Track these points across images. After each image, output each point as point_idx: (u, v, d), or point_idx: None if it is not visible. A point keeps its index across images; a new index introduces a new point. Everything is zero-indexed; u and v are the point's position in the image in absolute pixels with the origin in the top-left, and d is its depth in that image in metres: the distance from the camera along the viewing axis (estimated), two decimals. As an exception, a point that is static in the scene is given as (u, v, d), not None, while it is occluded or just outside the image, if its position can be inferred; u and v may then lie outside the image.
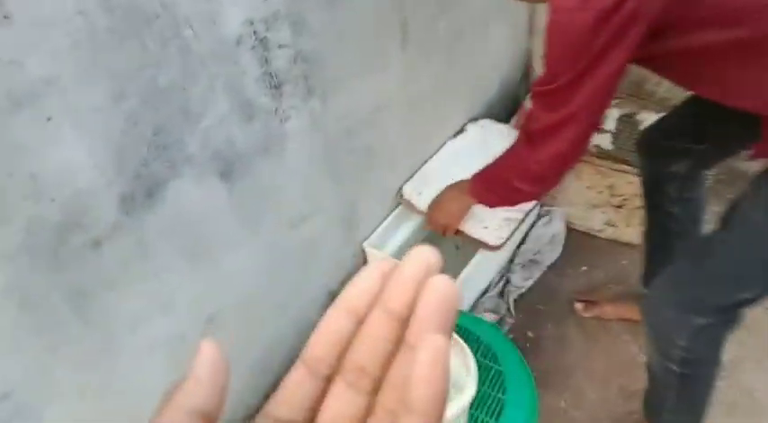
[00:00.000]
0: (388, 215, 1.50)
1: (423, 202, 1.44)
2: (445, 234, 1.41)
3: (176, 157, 0.95)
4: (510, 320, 1.60)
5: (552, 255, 1.71)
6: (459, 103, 1.61)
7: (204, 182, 1.01)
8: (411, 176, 1.54)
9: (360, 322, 0.27)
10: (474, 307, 1.58)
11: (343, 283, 1.50)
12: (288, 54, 1.05)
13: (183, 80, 0.90)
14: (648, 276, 1.45)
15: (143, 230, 0.95)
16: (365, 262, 1.49)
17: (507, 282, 1.65)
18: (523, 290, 1.65)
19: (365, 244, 1.45)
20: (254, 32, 0.97)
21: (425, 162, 1.58)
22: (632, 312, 1.55)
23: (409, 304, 0.26)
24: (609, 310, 1.58)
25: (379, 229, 1.48)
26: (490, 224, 1.44)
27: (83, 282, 0.91)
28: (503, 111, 1.85)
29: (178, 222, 1.01)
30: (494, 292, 1.62)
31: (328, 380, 0.27)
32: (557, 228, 1.72)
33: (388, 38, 1.28)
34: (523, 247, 1.69)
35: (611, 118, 1.66)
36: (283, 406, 0.27)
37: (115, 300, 0.96)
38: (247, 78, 1.00)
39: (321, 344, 0.27)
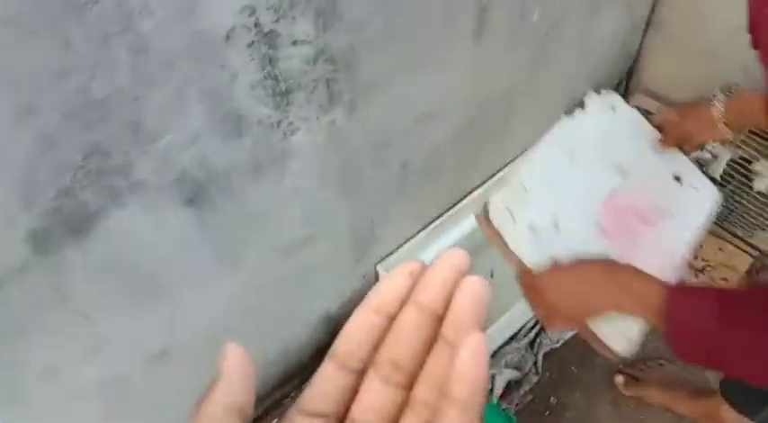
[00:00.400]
0: (412, 237, 1.22)
1: (514, 236, 0.93)
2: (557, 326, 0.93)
3: (118, 184, 0.69)
4: (534, 378, 1.34)
5: (603, 306, 1.42)
6: (540, 107, 1.28)
7: (161, 211, 0.76)
8: (492, 178, 1.15)
9: (390, 319, 0.27)
10: (495, 356, 1.32)
11: (344, 307, 1.25)
12: (305, 53, 0.76)
13: (134, 88, 0.62)
14: (730, 388, 1.14)
15: (65, 271, 0.71)
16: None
17: (541, 330, 1.38)
18: (559, 344, 1.38)
19: (379, 266, 1.19)
20: (256, 24, 0.68)
21: (522, 157, 1.11)
22: (682, 405, 1.27)
23: (443, 302, 0.27)
24: (654, 395, 1.30)
25: (400, 252, 1.21)
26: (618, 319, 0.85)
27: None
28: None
29: (119, 258, 0.76)
30: (523, 341, 1.35)
31: (360, 374, 0.27)
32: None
33: (457, 27, 0.96)
34: (571, 290, 1.40)
35: (718, 162, 1.31)
36: (315, 400, 0.27)
37: (22, 347, 0.74)
38: (239, 84, 0.71)
39: (351, 339, 0.27)
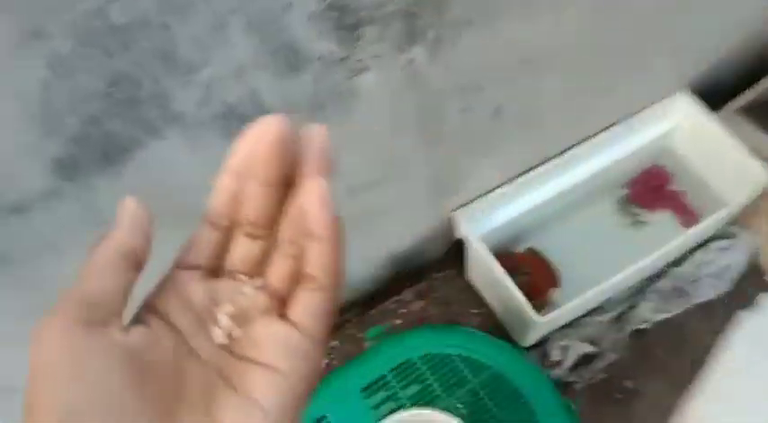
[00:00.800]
0: (497, 187, 1.10)
1: None
2: None
3: (153, 114, 0.63)
4: (613, 356, 1.22)
5: (711, 291, 1.25)
6: (668, 62, 1.08)
7: (206, 144, 0.69)
8: (596, 135, 1.02)
9: (246, 179, 0.29)
10: (571, 326, 1.20)
11: (413, 248, 1.17)
12: (380, -19, 0.64)
13: (162, 15, 0.54)
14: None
15: (99, 196, 0.67)
16: (451, 230, 1.13)
17: (632, 307, 1.24)
18: (649, 324, 1.24)
19: (456, 213, 1.09)
20: (318, -54, 0.57)
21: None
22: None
23: (292, 155, 0.28)
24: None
25: (482, 201, 1.09)
26: None
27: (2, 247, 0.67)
28: (729, 80, 1.26)
29: (161, 187, 0.72)
30: (608, 315, 1.22)
31: (229, 230, 0.30)
32: (734, 259, 1.24)
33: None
34: (678, 268, 1.24)
35: None
36: (190, 255, 0.30)
37: (54, 262, 0.72)
38: (294, 15, 0.61)
39: (216, 203, 0.30)
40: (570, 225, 1.24)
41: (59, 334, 0.24)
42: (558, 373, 1.21)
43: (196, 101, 0.64)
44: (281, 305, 0.29)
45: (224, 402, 0.27)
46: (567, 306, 1.07)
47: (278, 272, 0.30)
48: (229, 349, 0.29)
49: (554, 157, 1.10)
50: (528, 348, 1.22)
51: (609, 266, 1.14)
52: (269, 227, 0.30)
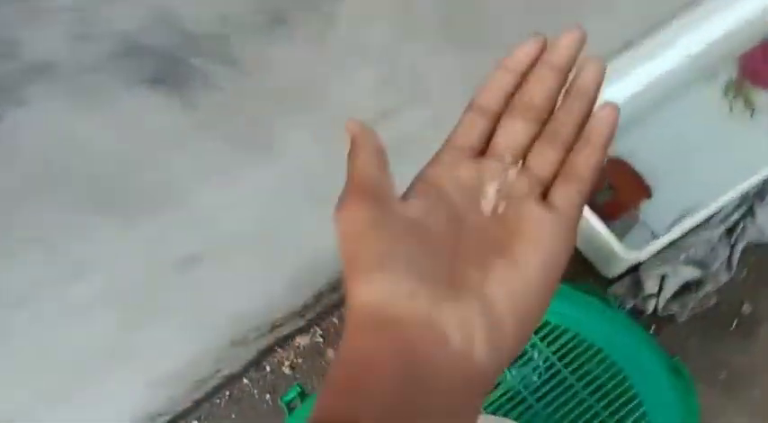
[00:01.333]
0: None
1: None
2: None
3: (-2, 72, 0.39)
4: (725, 276, 0.97)
5: None
6: None
7: (101, 94, 0.45)
8: None
9: (522, 76, 0.32)
10: (672, 247, 0.94)
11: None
12: None
13: None
14: None
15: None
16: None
17: (749, 214, 0.97)
18: (772, 236, 0.98)
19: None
20: None
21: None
22: None
23: (570, 62, 0.31)
24: None
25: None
26: None
27: None
28: None
29: (59, 166, 0.49)
30: (717, 230, 0.96)
31: (496, 118, 0.32)
32: None
33: None
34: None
35: None
36: (460, 138, 0.32)
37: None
38: None
39: (488, 92, 0.32)
40: (664, 120, 0.96)
41: (356, 210, 0.28)
42: (653, 304, 0.98)
43: (65, 38, 0.39)
44: (541, 190, 0.31)
45: (491, 262, 0.29)
46: (663, 239, 0.82)
47: (543, 159, 0.31)
48: (495, 221, 0.31)
49: (643, 36, 0.80)
50: (613, 279, 0.99)
51: (716, 168, 0.88)
52: (541, 112, 0.31)
